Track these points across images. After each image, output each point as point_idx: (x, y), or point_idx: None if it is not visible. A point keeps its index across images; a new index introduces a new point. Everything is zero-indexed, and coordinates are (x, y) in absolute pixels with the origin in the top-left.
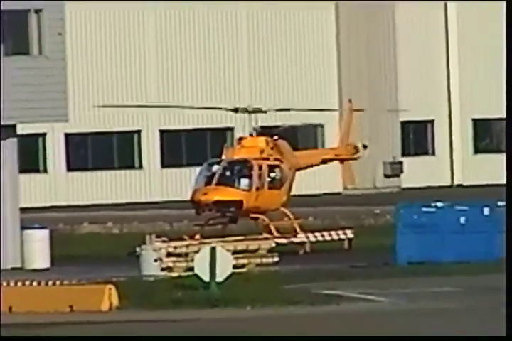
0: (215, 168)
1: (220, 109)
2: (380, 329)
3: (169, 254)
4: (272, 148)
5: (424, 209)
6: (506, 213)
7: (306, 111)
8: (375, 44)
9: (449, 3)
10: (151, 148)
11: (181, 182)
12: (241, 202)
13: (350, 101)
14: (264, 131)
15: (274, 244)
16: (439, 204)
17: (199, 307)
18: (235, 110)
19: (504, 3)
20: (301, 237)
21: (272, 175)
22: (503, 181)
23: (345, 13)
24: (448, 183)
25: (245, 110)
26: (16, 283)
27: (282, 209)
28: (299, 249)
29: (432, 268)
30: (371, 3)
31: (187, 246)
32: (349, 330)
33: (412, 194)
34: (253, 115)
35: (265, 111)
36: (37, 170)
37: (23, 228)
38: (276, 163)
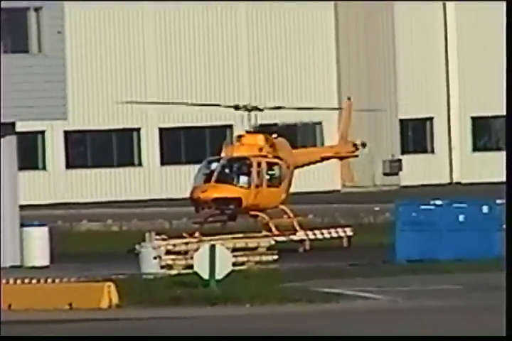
0: (214, 165)
1: (219, 105)
2: (379, 327)
3: (168, 252)
4: (270, 146)
5: (423, 206)
6: (506, 210)
7: (304, 110)
8: (374, 42)
9: (447, 2)
10: (150, 146)
11: (180, 180)
12: (240, 199)
13: (349, 99)
14: (263, 128)
15: (273, 242)
16: (438, 202)
17: (198, 304)
18: (235, 107)
19: (504, 3)
20: (300, 235)
21: (271, 172)
22: (502, 179)
23: (344, 13)
24: (447, 181)
25: (245, 108)
26: (15, 281)
27: (281, 206)
28: (298, 247)
29: (431, 266)
30: (370, 3)
31: (186, 243)
32: (348, 328)
33: (411, 192)
34: (252, 113)
35: (262, 110)
36: (36, 168)
37: (22, 225)
38: (275, 160)
